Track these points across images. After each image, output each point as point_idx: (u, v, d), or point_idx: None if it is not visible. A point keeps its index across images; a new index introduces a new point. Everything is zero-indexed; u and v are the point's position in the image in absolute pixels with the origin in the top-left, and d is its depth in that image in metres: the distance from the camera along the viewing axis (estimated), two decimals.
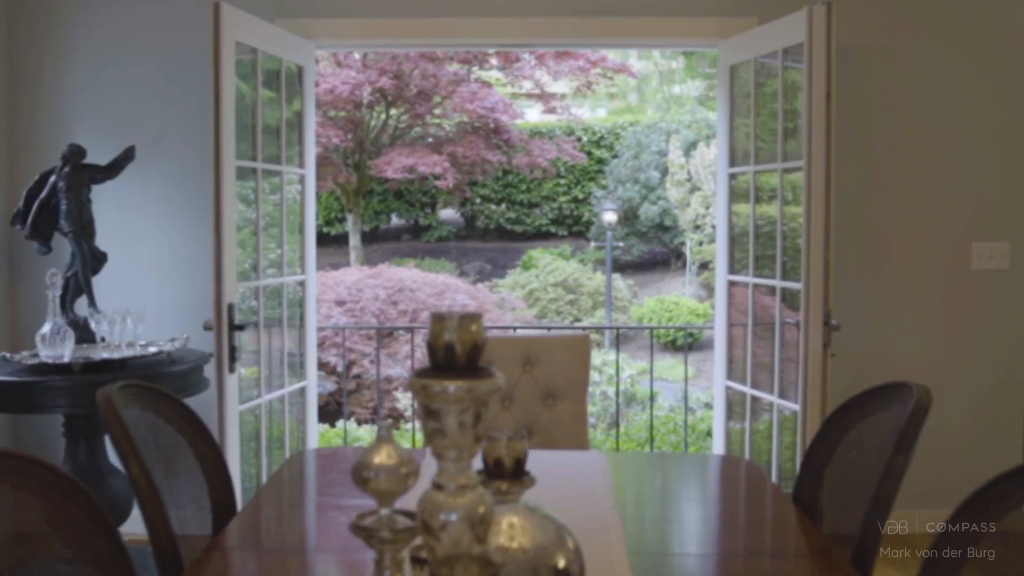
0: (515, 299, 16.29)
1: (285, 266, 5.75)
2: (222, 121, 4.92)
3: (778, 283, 5.45)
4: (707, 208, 20.82)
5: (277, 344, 5.73)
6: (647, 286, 22.00)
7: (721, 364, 6.11)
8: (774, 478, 5.55)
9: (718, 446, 6.15)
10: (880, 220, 6.30)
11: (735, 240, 6.04)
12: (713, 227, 21.05)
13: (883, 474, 2.61)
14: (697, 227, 21.02)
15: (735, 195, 6.04)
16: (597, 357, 17.58)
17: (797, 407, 5.20)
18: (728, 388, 6.06)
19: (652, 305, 18.60)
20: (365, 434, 8.20)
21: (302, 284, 5.95)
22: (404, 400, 10.53)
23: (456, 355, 1.70)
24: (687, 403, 7.26)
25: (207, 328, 5.06)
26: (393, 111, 20.22)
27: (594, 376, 10.37)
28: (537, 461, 3.43)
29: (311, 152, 5.96)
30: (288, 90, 5.77)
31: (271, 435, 5.68)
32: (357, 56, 19.20)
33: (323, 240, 24.07)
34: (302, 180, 5.97)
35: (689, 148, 21.69)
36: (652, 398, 7.40)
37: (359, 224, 21.38)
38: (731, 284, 6.05)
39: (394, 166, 19.32)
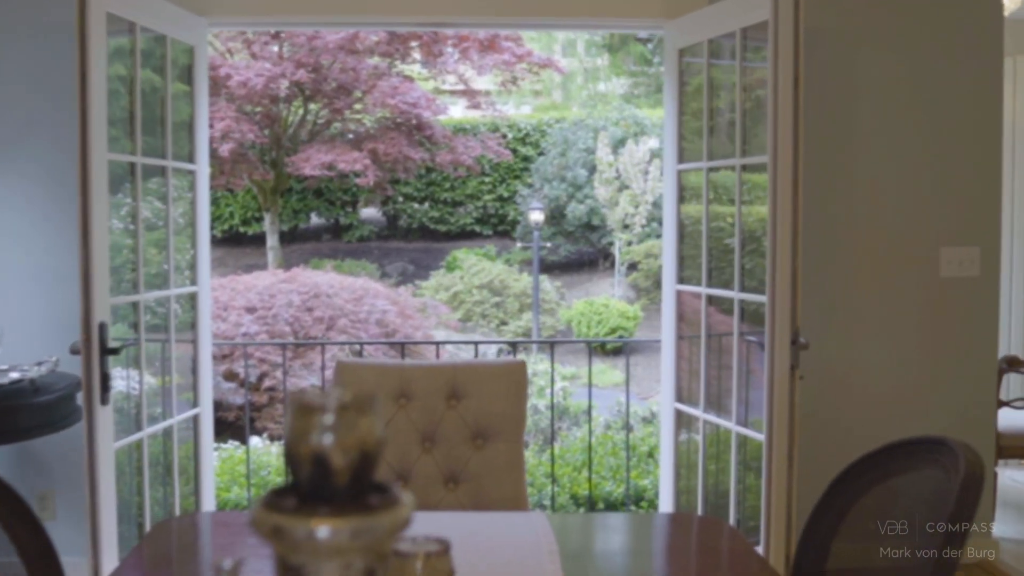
0: (439, 304, 15.55)
1: (172, 277, 4.98)
2: (90, 105, 4.15)
3: (736, 295, 4.80)
4: (636, 207, 20.28)
5: (163, 368, 4.96)
6: (574, 287, 21.43)
7: (669, 384, 5.45)
8: (732, 518, 4.90)
9: (666, 477, 5.49)
10: (841, 222, 5.69)
11: (685, 245, 5.38)
12: (643, 227, 20.52)
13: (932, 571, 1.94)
14: (626, 227, 20.47)
15: (685, 195, 5.38)
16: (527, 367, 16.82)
17: (761, 436, 4.55)
18: (678, 411, 5.40)
19: (581, 308, 17.97)
20: (276, 455, 7.43)
21: (193, 297, 5.18)
22: None
23: (333, 472, 1.01)
24: (628, 419, 6.57)
25: (74, 352, 4.28)
26: (312, 106, 19.48)
27: None
28: (464, 530, 2.75)
29: (204, 146, 5.19)
30: (176, 74, 5.00)
31: (155, 475, 4.91)
32: (275, 48, 18.39)
33: (240, 240, 23.29)
34: (193, 178, 5.19)
35: (617, 145, 21.14)
36: (590, 412, 6.72)
37: (277, 224, 20.56)
38: (680, 295, 5.39)
39: (312, 163, 18.54)
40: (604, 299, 18.23)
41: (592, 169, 21.53)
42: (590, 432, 6.39)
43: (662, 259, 5.58)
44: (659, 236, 21.20)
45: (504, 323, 18.56)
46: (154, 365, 4.98)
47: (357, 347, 9.46)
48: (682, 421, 5.41)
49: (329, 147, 18.96)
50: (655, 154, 20.93)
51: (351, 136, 19.86)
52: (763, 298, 4.58)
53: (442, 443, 3.56)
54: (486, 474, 3.50)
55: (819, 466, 4.17)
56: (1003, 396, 6.27)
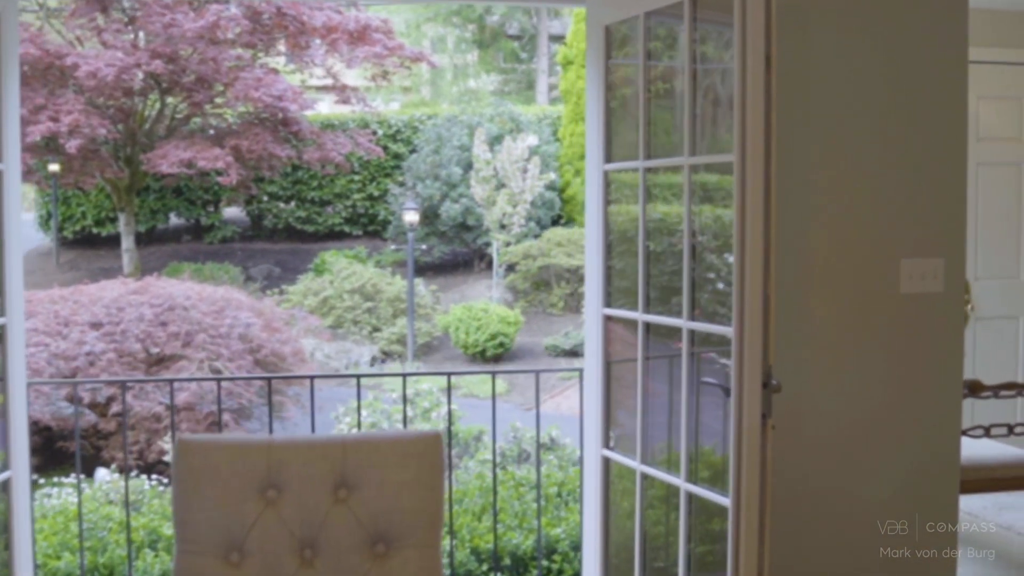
0: (308, 315, 14.44)
1: None
2: None
3: (686, 324, 3.90)
4: (514, 207, 19.43)
5: None
6: (449, 290, 20.52)
7: (595, 427, 4.54)
8: None
9: (591, 539, 4.58)
10: (789, 231, 4.80)
11: (614, 261, 4.48)
12: (521, 227, 19.67)
13: None
14: (503, 227, 19.61)
15: (613, 200, 4.48)
16: (399, 380, 15.85)
17: (724, 501, 3.67)
18: (607, 460, 4.49)
19: (459, 313, 17.03)
20: (120, 503, 6.31)
21: (0, 331, 4.09)
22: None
23: None
24: (539, 455, 5.64)
25: None
26: (169, 99, 18.31)
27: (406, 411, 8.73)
28: None
29: (13, 140, 4.10)
30: None
31: None
32: (128, 37, 17.10)
33: (93, 242, 22.03)
34: None
35: (494, 142, 20.26)
36: (495, 450, 5.76)
37: (133, 224, 19.26)
38: (609, 320, 4.48)
39: (170, 160, 17.33)
40: (483, 303, 17.32)
41: (467, 167, 20.65)
42: (495, 472, 5.43)
43: (585, 276, 4.65)
44: (537, 236, 20.45)
45: (377, 330, 17.54)
46: None
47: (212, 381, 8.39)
48: (612, 472, 4.50)
49: (188, 143, 17.76)
50: (534, 151, 20.10)
51: (212, 132, 18.75)
52: (721, 329, 3.70)
53: (328, 552, 2.57)
54: None
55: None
56: (964, 423, 5.51)
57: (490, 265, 21.11)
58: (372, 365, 16.58)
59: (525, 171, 19.54)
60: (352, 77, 21.43)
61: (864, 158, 4.81)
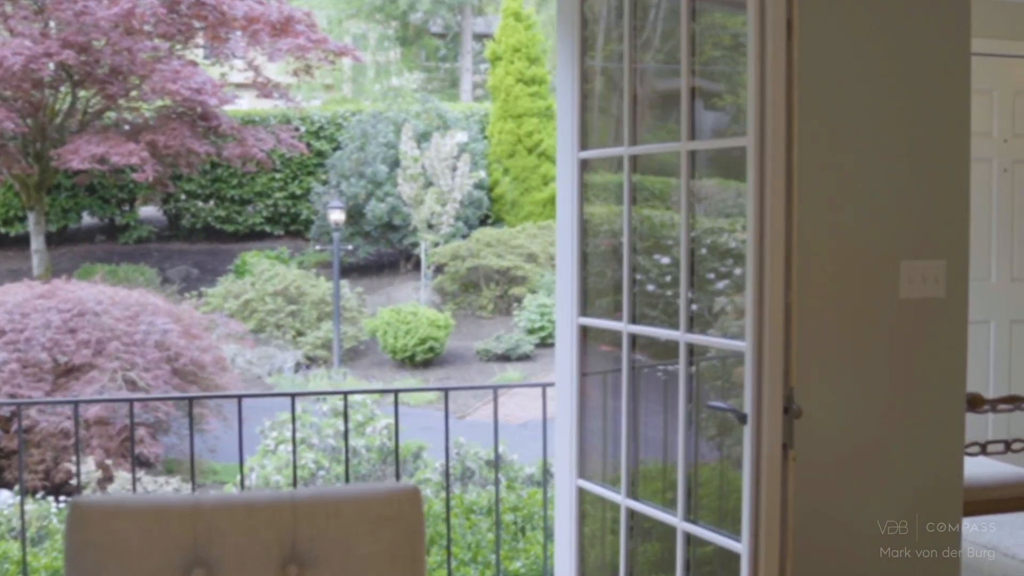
0: (228, 320, 13.68)
1: None
2: None
3: (684, 337, 3.33)
4: (443, 205, 18.83)
5: None
6: (375, 292, 19.87)
7: (569, 452, 3.96)
8: None
9: None
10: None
11: (591, 264, 3.91)
12: (450, 226, 19.05)
13: None
14: (431, 227, 18.99)
15: (589, 195, 3.90)
16: (325, 386, 15.25)
17: (736, 546, 3.11)
18: (582, 491, 3.91)
19: (387, 316, 16.37)
20: (16, 547, 5.58)
21: None
22: (85, 464, 7.95)
23: None
24: (497, 478, 5.05)
25: None
26: (81, 92, 17.45)
27: (339, 424, 8.06)
28: None
29: None
30: None
31: None
32: (37, 25, 16.20)
33: (1, 242, 21.00)
34: None
35: (421, 139, 19.63)
36: (448, 476, 5.15)
37: (43, 224, 18.33)
38: (584, 331, 3.90)
39: (82, 156, 16.48)
40: (412, 306, 16.68)
41: (393, 164, 20.02)
42: (448, 502, 4.82)
43: (557, 280, 4.06)
44: (465, 237, 19.85)
45: (301, 334, 16.83)
46: None
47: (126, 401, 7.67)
48: (589, 504, 3.92)
49: (102, 138, 16.90)
50: (463, 148, 19.50)
51: (127, 127, 17.90)
52: (731, 344, 3.14)
53: None
54: None
55: None
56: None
57: (417, 266, 20.49)
58: (296, 371, 15.86)
59: (454, 169, 18.95)
60: (274, 71, 20.70)
61: (861, 152, 4.28)
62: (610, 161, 3.83)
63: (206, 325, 10.95)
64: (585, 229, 3.89)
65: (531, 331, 17.00)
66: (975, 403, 5.07)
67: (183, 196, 21.92)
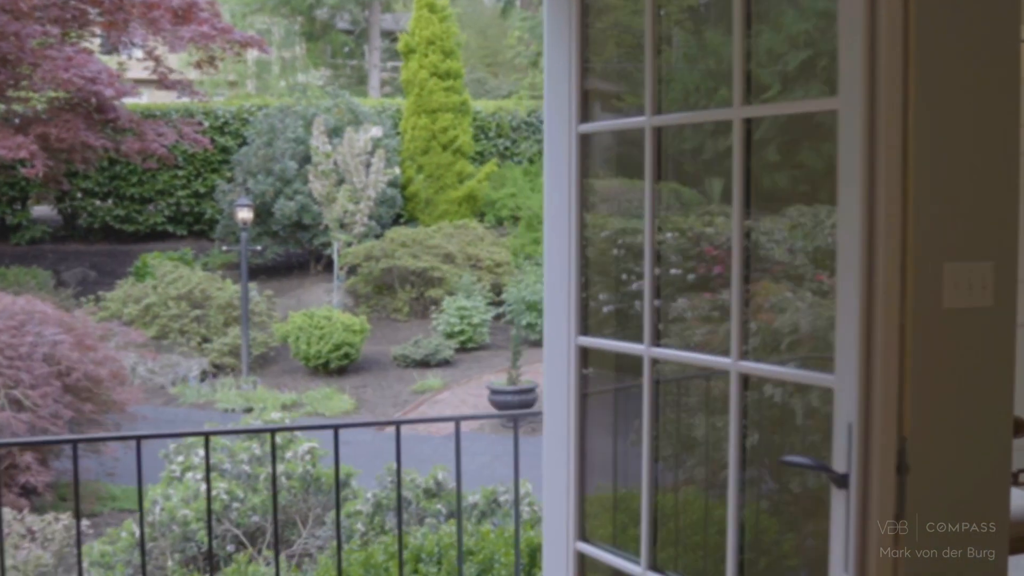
0: (128, 329, 12.59)
1: None
2: None
3: (734, 365, 2.53)
4: (357, 203, 17.88)
5: None
6: (284, 294, 18.91)
7: (566, 506, 3.13)
8: None
9: None
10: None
11: (592, 270, 3.09)
12: (364, 225, 18.09)
13: None
14: (344, 226, 18.04)
15: (597, 180, 3.09)
16: (234, 396, 14.23)
17: None
18: (582, 557, 3.09)
19: (299, 321, 15.39)
20: None
21: None
22: None
23: None
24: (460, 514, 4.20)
25: None
26: None
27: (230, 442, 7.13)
28: None
29: None
30: None
31: None
32: None
33: None
34: None
35: (332, 134, 18.67)
36: (400, 516, 4.28)
37: None
38: (584, 354, 3.08)
39: None
40: (326, 310, 15.71)
41: (303, 161, 19.08)
42: (400, 547, 3.95)
43: (545, 290, 3.24)
44: (379, 236, 18.93)
45: (207, 340, 15.79)
46: None
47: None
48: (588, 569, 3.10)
49: None
50: (378, 144, 18.57)
51: (16, 119, 16.74)
52: (807, 376, 2.34)
53: None
54: None
55: None
56: None
57: (328, 267, 19.58)
58: (203, 380, 14.84)
59: (368, 165, 18.03)
60: (176, 63, 19.64)
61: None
62: (622, 137, 3.02)
63: (102, 334, 9.92)
64: (585, 224, 3.07)
65: (450, 335, 16.16)
66: (1018, 428, 4.35)
67: (79, 194, 21.00)
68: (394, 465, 6.57)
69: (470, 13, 38.53)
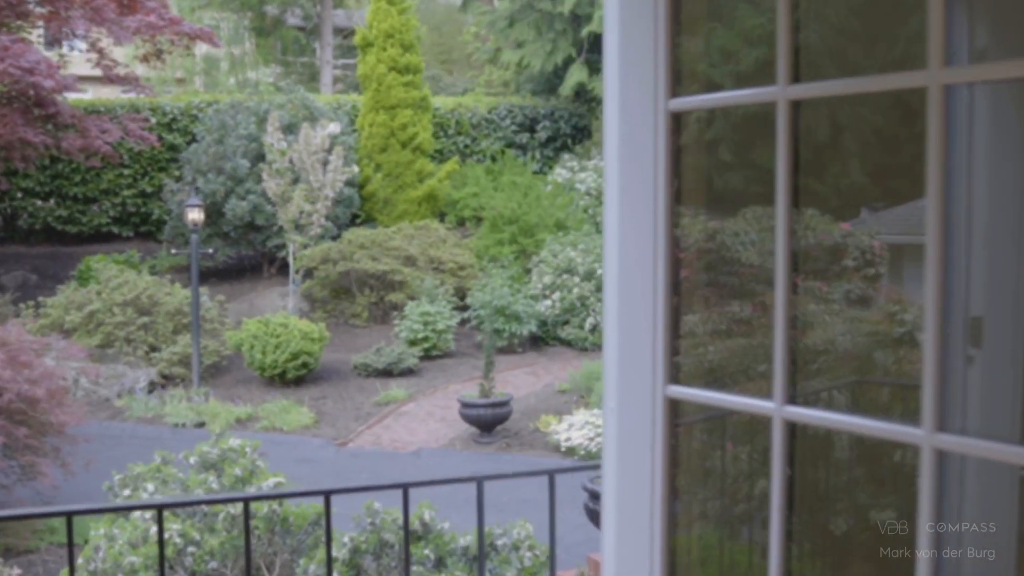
0: (69, 343, 11.61)
1: None
2: None
3: (935, 440, 1.73)
4: (313, 203, 17.00)
5: None
6: (236, 299, 18.05)
7: None
8: None
9: None
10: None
11: (695, 293, 2.31)
12: (321, 226, 17.19)
13: None
14: (299, 227, 17.14)
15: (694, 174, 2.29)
16: (184, 409, 13.22)
17: None
18: None
19: (253, 328, 14.47)
20: None
21: None
22: None
23: None
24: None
25: None
26: None
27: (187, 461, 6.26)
28: None
29: None
30: None
31: None
32: None
33: None
34: None
35: (286, 131, 17.76)
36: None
37: None
38: (675, 409, 2.28)
39: None
40: (282, 317, 14.81)
41: (256, 159, 18.20)
42: None
43: (604, 319, 2.43)
44: (335, 238, 18.05)
45: (155, 349, 14.85)
46: None
47: None
48: None
49: None
50: (336, 141, 17.67)
51: None
52: None
53: None
54: None
55: None
56: None
57: (281, 270, 18.72)
58: (151, 392, 13.90)
59: (326, 163, 17.14)
60: (121, 57, 18.69)
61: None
62: (730, 118, 2.23)
63: (38, 349, 8.99)
64: (680, 232, 2.27)
65: (413, 342, 15.32)
66: None
67: (19, 194, 20.17)
68: (375, 504, 5.77)
69: (423, 10, 37.65)
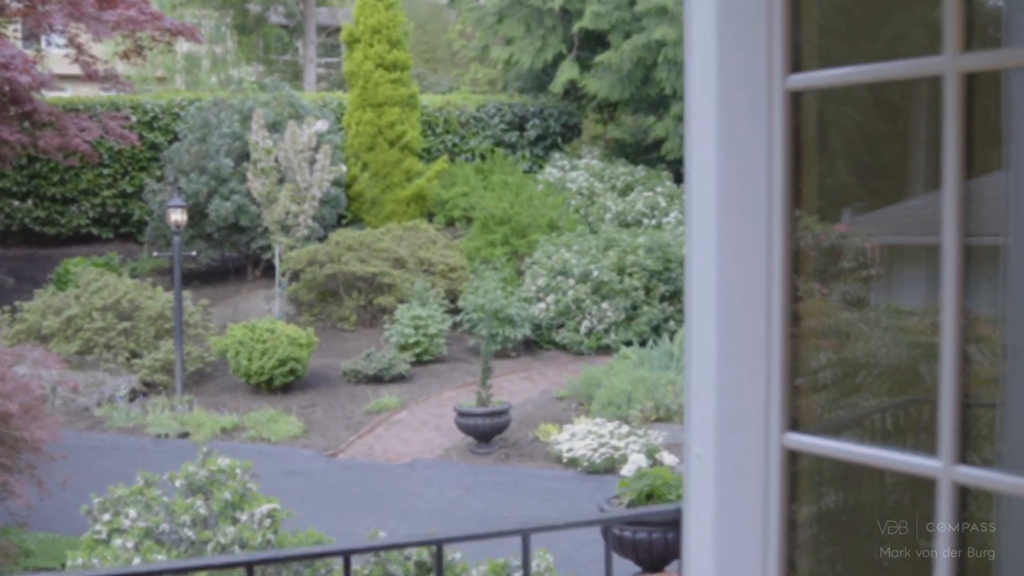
0: (45, 353, 11.07)
1: None
2: None
3: None
4: (299, 204, 16.50)
5: None
6: (220, 302, 17.54)
7: None
8: None
9: None
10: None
11: (807, 305, 1.82)
12: (308, 227, 16.68)
13: None
14: (286, 228, 16.64)
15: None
16: (167, 419, 12.72)
17: None
18: None
19: (239, 334, 13.94)
20: None
21: None
22: None
23: None
24: None
25: None
26: None
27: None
28: None
29: None
30: None
31: None
32: None
33: None
34: None
35: (271, 129, 17.25)
36: None
37: None
38: (794, 461, 1.80)
39: None
40: (268, 322, 14.29)
41: (240, 158, 17.69)
42: None
43: (691, 346, 1.94)
44: (322, 239, 17.55)
45: (136, 355, 14.32)
46: None
47: None
48: None
49: None
50: (322, 139, 17.17)
51: None
52: None
53: None
54: None
55: None
56: None
57: (267, 273, 18.23)
58: (132, 400, 13.37)
59: (313, 162, 16.63)
60: (101, 54, 18.15)
61: None
62: (864, 98, 1.76)
63: (12, 361, 8.46)
64: (801, 240, 1.80)
65: (404, 347, 14.81)
66: None
67: None
68: (380, 533, 5.29)
69: (407, 8, 37.20)
